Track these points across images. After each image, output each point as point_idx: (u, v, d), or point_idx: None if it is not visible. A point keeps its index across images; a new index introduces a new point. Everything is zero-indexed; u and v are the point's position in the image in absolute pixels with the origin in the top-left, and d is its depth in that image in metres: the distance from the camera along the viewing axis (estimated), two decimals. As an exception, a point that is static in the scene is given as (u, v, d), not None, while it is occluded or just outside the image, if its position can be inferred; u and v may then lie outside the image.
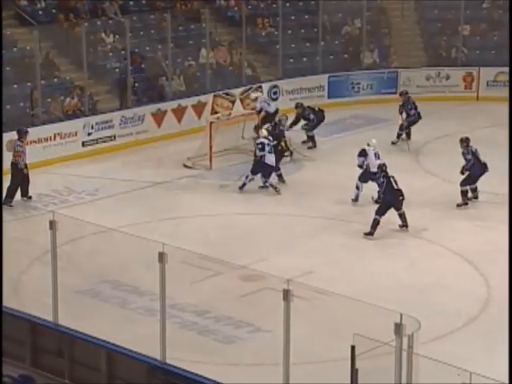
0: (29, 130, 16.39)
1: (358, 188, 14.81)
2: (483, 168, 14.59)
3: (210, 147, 16.58)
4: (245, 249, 12.84)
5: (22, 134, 14.98)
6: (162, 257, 8.74)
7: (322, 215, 14.08)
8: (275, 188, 15.25)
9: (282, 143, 16.01)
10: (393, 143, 17.79)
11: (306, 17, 21.74)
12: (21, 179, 14.67)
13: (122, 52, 18.70)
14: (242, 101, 19.24)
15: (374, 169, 14.57)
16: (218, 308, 10.96)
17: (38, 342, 9.76)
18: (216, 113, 17.70)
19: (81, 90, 17.68)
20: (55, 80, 17.98)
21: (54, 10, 19.38)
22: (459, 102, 20.59)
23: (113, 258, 12.02)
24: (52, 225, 9.44)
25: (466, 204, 14.53)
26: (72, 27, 18.95)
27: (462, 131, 17.78)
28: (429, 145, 18.01)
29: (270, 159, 15.32)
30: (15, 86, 17.40)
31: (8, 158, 14.95)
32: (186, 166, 16.67)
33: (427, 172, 16.42)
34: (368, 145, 15.16)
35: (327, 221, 13.95)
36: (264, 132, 15.79)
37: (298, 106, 17.96)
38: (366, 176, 14.84)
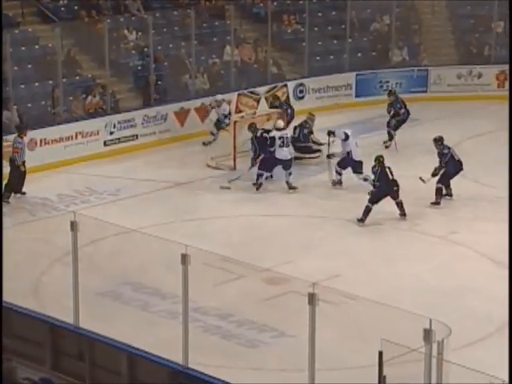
0: (51, 128, 16.58)
1: (338, 173, 15.38)
2: (458, 166, 14.86)
3: (234, 147, 16.60)
4: (269, 251, 12.83)
5: (22, 131, 15.01)
6: (184, 258, 8.76)
7: (346, 217, 14.04)
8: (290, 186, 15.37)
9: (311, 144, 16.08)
10: (385, 144, 17.48)
11: (334, 13, 21.68)
12: (18, 176, 14.72)
13: (145, 49, 18.78)
14: (266, 99, 19.29)
15: (357, 158, 15.26)
16: (241, 312, 10.96)
17: (58, 344, 9.82)
18: (240, 112, 17.73)
19: (102, 88, 17.78)
20: (77, 78, 18.09)
21: (75, 7, 19.49)
22: (491, 101, 20.41)
23: (134, 260, 12.05)
24: (73, 225, 9.49)
25: (439, 204, 14.67)
26: (94, 24, 19.06)
27: (495, 131, 17.69)
28: (460, 145, 17.86)
29: (281, 153, 15.37)
30: (36, 84, 17.52)
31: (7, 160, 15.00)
32: (209, 166, 16.71)
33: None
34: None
35: (351, 222, 13.90)
36: (280, 123, 15.91)
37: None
38: (345, 163, 15.36)
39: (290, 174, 15.50)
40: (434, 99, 20.72)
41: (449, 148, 14.93)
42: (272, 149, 15.38)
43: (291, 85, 19.91)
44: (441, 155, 14.91)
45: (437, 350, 7.58)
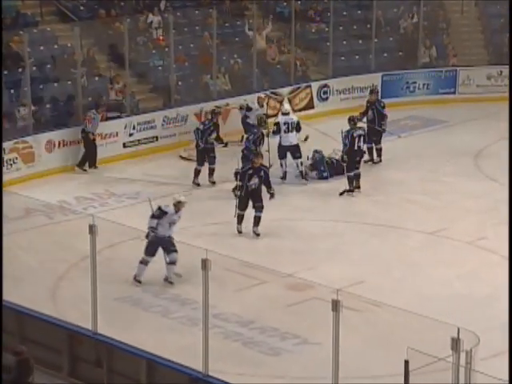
0: (69, 129, 16.69)
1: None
2: (360, 153, 15.21)
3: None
4: (291, 256, 12.82)
5: (100, 106, 16.47)
6: (205, 263, 8.77)
7: (370, 222, 14.01)
8: (302, 174, 15.66)
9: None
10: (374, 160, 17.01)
11: (359, 12, 21.66)
12: (91, 147, 16.10)
13: (166, 49, 18.85)
14: (290, 100, 19.29)
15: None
16: (263, 318, 10.96)
17: (75, 351, 9.87)
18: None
19: (124, 86, 17.78)
20: (96, 78, 18.19)
21: (95, 6, 19.61)
22: (523, 102, 20.29)
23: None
24: (91, 229, 9.53)
25: (352, 191, 14.96)
26: (114, 23, 19.16)
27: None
28: (489, 148, 17.79)
29: (287, 139, 15.62)
30: (55, 84, 17.64)
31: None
32: (182, 157, 17.07)
33: (487, 176, 16.23)
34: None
35: (376, 227, 13.87)
36: (286, 107, 16.34)
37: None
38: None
39: (301, 163, 15.74)
40: (463, 101, 20.63)
41: (352, 136, 14.97)
42: (278, 135, 15.64)
43: (315, 85, 19.90)
44: (344, 139, 15.12)
45: (465, 359, 7.54)
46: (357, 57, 20.93)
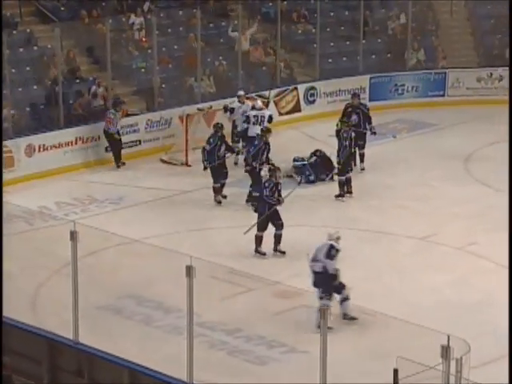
0: (49, 133, 16.65)
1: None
2: (354, 156, 15.70)
3: (186, 141, 17.02)
4: (279, 263, 12.82)
5: (117, 104, 17.08)
6: (189, 271, 8.76)
7: (359, 227, 14.03)
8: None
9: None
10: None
11: (346, 13, 21.72)
12: (115, 145, 16.81)
13: (149, 51, 18.83)
14: (276, 103, 19.31)
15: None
16: (249, 326, 10.95)
17: (56, 360, 9.83)
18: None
19: (105, 91, 17.81)
20: (77, 81, 18.15)
21: (76, 7, 19.56)
22: (513, 105, 20.38)
23: (137, 272, 12.07)
24: (73, 235, 9.50)
25: (343, 196, 15.12)
26: (95, 24, 19.13)
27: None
28: (479, 151, 17.87)
29: (253, 130, 16.12)
30: (35, 87, 17.59)
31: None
32: (162, 160, 17.16)
33: (477, 181, 16.30)
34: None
35: (365, 233, 13.90)
36: (258, 103, 16.73)
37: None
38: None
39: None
40: (453, 103, 20.71)
41: (351, 138, 15.22)
42: (246, 127, 16.15)
43: (302, 88, 19.93)
44: (343, 140, 15.24)
45: (455, 367, 7.55)
46: (344, 59, 20.97)
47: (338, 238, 11.29)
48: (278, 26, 19.82)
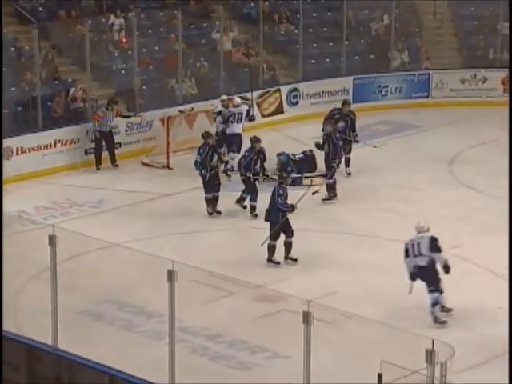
0: (28, 136, 16.58)
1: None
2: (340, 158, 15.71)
3: (168, 143, 17.11)
4: (261, 267, 12.82)
5: (110, 103, 17.03)
6: (171, 275, 8.75)
7: (344, 230, 14.06)
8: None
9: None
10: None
11: (329, 14, 21.78)
12: (99, 144, 16.82)
13: (129, 52, 18.80)
14: (258, 105, 19.33)
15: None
16: (231, 332, 10.95)
17: (35, 367, 9.78)
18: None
19: (84, 93, 17.76)
20: (56, 82, 18.09)
21: (54, 7, 19.50)
22: (497, 107, 20.50)
23: (118, 277, 12.04)
24: (51, 240, 9.47)
25: (331, 199, 15.23)
26: (74, 25, 19.07)
27: (500, 139, 17.76)
28: (463, 154, 17.96)
29: (231, 129, 16.38)
30: (13, 88, 17.52)
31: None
32: (143, 163, 17.21)
33: (461, 183, 16.37)
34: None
35: (350, 236, 13.93)
36: (237, 100, 16.82)
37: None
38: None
39: (232, 157, 16.27)
40: (436, 105, 20.82)
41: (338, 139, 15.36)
42: (224, 127, 16.34)
43: (284, 89, 19.96)
44: (337, 140, 15.39)
45: (440, 372, 7.58)
46: (327, 60, 21.03)
47: (428, 229, 11.60)
48: (261, 27, 19.86)
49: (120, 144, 17.66)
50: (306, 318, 8.08)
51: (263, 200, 13.96)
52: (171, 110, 17.94)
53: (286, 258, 13.05)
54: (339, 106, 17.29)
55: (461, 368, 8.77)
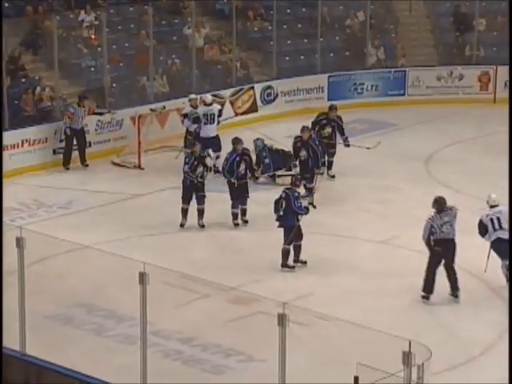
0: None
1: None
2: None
3: (139, 142, 17.00)
4: (235, 269, 12.82)
5: (81, 100, 16.95)
6: (142, 277, 8.73)
7: (320, 231, 14.09)
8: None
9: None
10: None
11: (303, 10, 21.82)
12: (69, 142, 16.72)
13: (98, 49, 18.72)
14: (232, 103, 19.32)
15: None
16: (205, 335, 10.94)
17: (2, 373, 9.70)
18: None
19: (52, 91, 17.68)
20: (22, 80, 17.97)
21: (21, 3, 19.38)
22: (473, 104, 20.67)
23: (88, 279, 11.99)
24: (19, 242, 9.42)
25: (312, 203, 15.03)
26: (42, 21, 18.96)
27: (477, 137, 17.90)
28: (440, 152, 18.06)
29: (205, 131, 16.12)
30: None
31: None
32: (114, 163, 17.13)
33: (439, 182, 16.46)
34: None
35: (326, 237, 13.96)
36: (208, 97, 16.64)
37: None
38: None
39: (217, 157, 15.92)
40: (413, 103, 20.92)
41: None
42: (196, 127, 16.11)
43: (258, 87, 19.97)
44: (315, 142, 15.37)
45: (416, 374, 7.62)
46: (302, 57, 21.07)
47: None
48: (234, 24, 19.85)
49: (90, 143, 17.57)
50: (281, 320, 8.10)
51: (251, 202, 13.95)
52: (142, 109, 17.89)
53: (296, 261, 12.99)
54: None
55: (438, 370, 8.81)
